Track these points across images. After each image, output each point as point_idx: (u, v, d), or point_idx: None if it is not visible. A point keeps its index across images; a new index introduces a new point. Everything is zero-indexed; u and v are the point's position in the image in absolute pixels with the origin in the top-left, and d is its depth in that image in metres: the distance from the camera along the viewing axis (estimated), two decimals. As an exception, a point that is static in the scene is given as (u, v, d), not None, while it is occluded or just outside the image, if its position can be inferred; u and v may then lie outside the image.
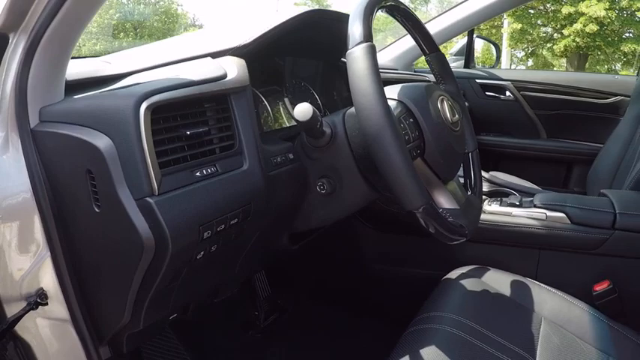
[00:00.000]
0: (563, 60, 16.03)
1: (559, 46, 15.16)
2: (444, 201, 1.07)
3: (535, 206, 1.45)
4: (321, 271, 1.85)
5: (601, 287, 1.36)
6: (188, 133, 0.85)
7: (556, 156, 2.38)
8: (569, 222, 1.40)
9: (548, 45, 16.04)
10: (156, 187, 0.78)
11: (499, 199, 1.53)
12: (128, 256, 0.80)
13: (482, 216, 1.46)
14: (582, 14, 14.07)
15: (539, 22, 15.95)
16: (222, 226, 0.89)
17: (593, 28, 13.90)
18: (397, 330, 1.16)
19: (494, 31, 16.27)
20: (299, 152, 1.11)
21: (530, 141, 2.42)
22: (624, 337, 1.26)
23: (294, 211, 1.16)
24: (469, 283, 1.30)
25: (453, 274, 1.36)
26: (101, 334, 0.94)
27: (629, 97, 2.14)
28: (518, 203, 1.47)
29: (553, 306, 1.28)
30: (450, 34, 2.40)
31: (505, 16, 15.07)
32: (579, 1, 14.19)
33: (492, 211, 1.47)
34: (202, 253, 0.89)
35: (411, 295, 1.36)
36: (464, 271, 1.36)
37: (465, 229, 1.01)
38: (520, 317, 1.22)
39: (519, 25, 15.40)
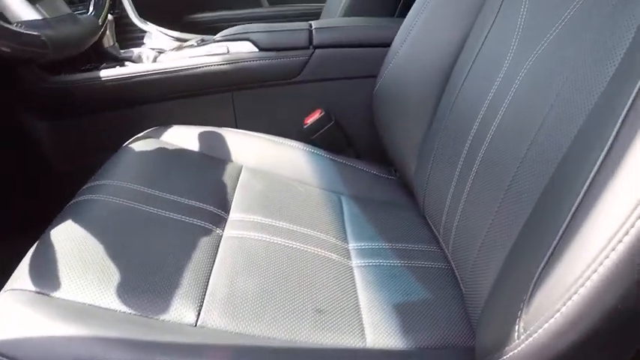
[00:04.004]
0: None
1: None
2: (21, 11, 0.74)
3: (216, 42, 1.15)
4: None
5: (313, 118, 1.11)
6: None
7: (282, 22, 2.13)
8: (257, 50, 1.12)
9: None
10: None
11: (179, 47, 1.18)
12: None
13: (158, 65, 1.13)
14: None
15: None
16: None
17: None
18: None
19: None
20: None
21: (251, 10, 2.17)
22: (353, 170, 1.06)
23: None
24: (145, 145, 1.00)
25: (131, 141, 1.04)
26: None
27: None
28: (196, 44, 1.15)
29: (256, 152, 1.03)
30: None
31: None
32: None
33: (165, 59, 1.14)
34: None
35: None
36: (141, 135, 1.05)
37: (46, 40, 0.76)
38: (210, 170, 0.96)
39: None
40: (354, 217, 0.91)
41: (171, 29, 1.99)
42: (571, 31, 0.64)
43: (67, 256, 0.68)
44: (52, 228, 0.74)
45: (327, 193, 0.96)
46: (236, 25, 2.05)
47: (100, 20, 0.95)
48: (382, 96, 1.02)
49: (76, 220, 0.75)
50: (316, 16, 2.01)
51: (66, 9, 0.86)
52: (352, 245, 0.83)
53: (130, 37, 1.44)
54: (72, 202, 0.83)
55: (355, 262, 0.79)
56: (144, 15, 1.60)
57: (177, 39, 1.37)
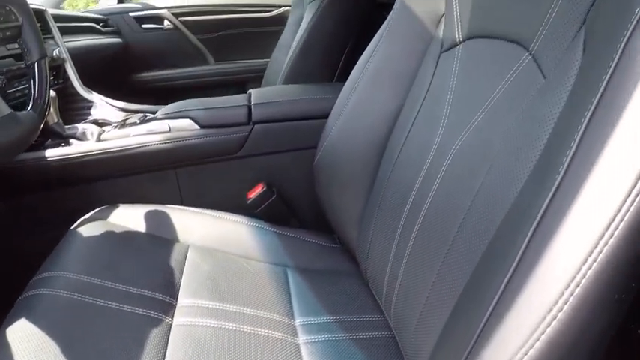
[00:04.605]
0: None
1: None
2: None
3: (157, 119, 1.16)
4: None
5: (255, 192, 1.14)
6: None
7: (228, 79, 2.18)
8: (198, 127, 1.15)
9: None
10: None
11: (123, 122, 1.20)
12: None
13: (102, 145, 1.14)
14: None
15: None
16: None
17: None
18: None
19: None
20: None
21: (198, 68, 2.19)
22: (297, 242, 1.08)
23: None
24: (93, 229, 1.00)
25: (78, 224, 1.04)
26: None
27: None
28: (139, 121, 1.17)
29: (201, 230, 1.04)
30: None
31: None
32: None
33: (108, 137, 1.16)
34: None
35: None
36: (87, 217, 1.05)
37: None
38: (158, 253, 0.96)
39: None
40: (300, 290, 0.94)
41: (118, 91, 2.00)
42: (494, 117, 0.68)
43: (24, 358, 0.69)
44: (7, 326, 0.75)
45: (273, 267, 0.98)
46: (183, 82, 2.11)
47: (40, 114, 0.95)
48: (322, 168, 1.06)
49: (29, 318, 0.75)
50: (260, 71, 2.05)
51: (5, 109, 0.86)
52: (298, 321, 0.86)
53: (75, 106, 1.45)
54: (23, 295, 0.83)
55: (302, 338, 0.82)
56: (90, 77, 1.61)
57: (122, 109, 1.38)
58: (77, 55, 1.61)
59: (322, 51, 1.52)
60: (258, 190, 1.13)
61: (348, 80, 1.05)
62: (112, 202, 1.09)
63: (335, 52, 1.53)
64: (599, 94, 0.46)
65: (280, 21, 2.15)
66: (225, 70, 2.21)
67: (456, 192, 0.70)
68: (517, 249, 0.48)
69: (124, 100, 2.09)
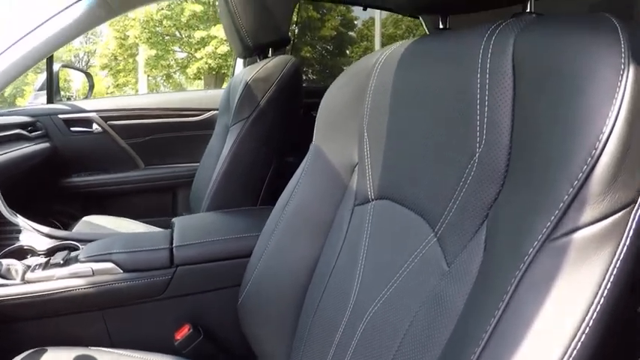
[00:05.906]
0: (200, 82, 16.18)
1: (192, 69, 15.50)
2: None
3: (80, 261, 1.18)
4: None
5: (182, 334, 1.16)
6: None
7: (158, 184, 2.21)
8: (122, 271, 1.17)
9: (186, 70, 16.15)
10: None
11: (47, 260, 1.22)
12: None
13: (26, 288, 1.15)
14: (214, 37, 14.70)
15: (175, 47, 16.21)
16: None
17: (224, 49, 14.63)
18: None
19: (131, 60, 16.00)
20: None
21: (128, 174, 2.21)
22: None
23: None
24: None
25: None
26: None
27: (219, 110, 2.08)
28: (62, 262, 1.19)
29: None
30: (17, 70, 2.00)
31: (140, 44, 15.05)
32: (211, 26, 14.76)
33: (34, 278, 1.16)
34: None
35: None
36: None
37: None
38: None
39: (154, 52, 15.41)
40: None
41: (47, 196, 1.99)
42: (403, 294, 0.71)
43: None
44: None
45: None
46: (112, 188, 2.11)
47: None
48: (246, 307, 1.08)
49: None
50: (190, 177, 2.09)
51: None
52: None
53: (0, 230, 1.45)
54: None
55: None
56: (16, 188, 1.60)
57: (47, 235, 1.39)
58: (3, 170, 1.61)
59: (245, 176, 1.59)
60: (184, 332, 1.15)
61: (268, 221, 1.08)
62: (41, 343, 1.08)
63: (259, 173, 1.59)
64: (496, 319, 0.50)
65: (210, 124, 2.20)
66: (155, 175, 2.23)
67: (375, 349, 0.73)
68: None
69: (52, 207, 2.09)
